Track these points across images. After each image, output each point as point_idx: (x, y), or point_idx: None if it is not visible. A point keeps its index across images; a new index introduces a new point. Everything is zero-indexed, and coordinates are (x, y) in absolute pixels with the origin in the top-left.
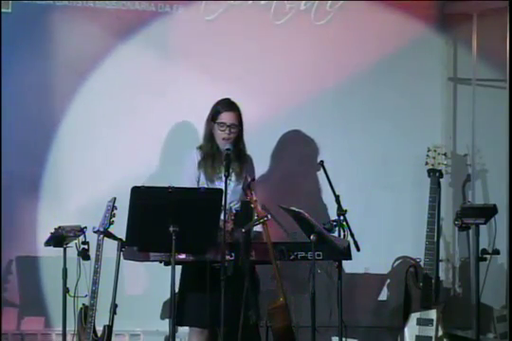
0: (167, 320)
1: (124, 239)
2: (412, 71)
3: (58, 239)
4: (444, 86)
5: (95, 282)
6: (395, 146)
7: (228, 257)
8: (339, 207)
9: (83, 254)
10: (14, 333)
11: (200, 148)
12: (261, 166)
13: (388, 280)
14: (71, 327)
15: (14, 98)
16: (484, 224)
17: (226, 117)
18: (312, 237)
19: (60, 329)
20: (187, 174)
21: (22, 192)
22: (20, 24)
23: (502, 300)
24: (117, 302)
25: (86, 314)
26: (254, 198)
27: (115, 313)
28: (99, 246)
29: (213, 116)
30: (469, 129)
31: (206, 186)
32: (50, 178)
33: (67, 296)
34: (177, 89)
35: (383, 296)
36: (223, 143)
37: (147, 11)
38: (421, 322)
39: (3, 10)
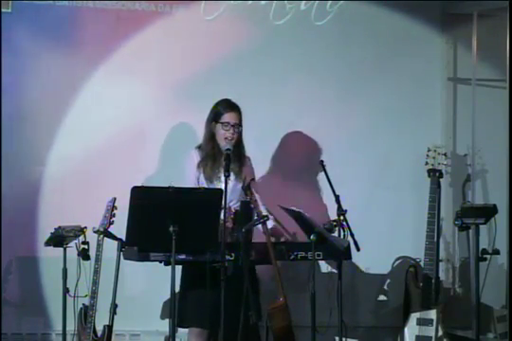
0: (167, 320)
1: (124, 239)
2: (412, 71)
3: (58, 239)
4: (444, 86)
5: (95, 282)
6: (395, 146)
7: (227, 257)
8: (339, 207)
9: (83, 254)
10: (14, 333)
11: (199, 148)
12: (261, 166)
13: (388, 280)
14: (71, 327)
15: (14, 98)
16: (484, 224)
17: (229, 117)
18: (312, 237)
19: (60, 329)
20: (189, 177)
21: (22, 192)
22: (20, 24)
23: (502, 300)
24: (117, 302)
25: (86, 314)
26: (254, 198)
27: (115, 313)
28: (99, 246)
29: (215, 117)
30: (469, 129)
31: (205, 186)
32: (50, 178)
33: (67, 296)
34: (177, 89)
35: (383, 296)
36: (225, 143)
37: (147, 11)
38: (421, 322)
39: (3, 10)
